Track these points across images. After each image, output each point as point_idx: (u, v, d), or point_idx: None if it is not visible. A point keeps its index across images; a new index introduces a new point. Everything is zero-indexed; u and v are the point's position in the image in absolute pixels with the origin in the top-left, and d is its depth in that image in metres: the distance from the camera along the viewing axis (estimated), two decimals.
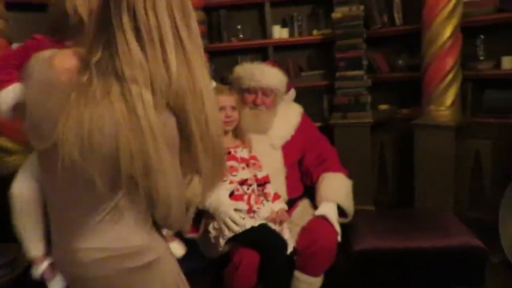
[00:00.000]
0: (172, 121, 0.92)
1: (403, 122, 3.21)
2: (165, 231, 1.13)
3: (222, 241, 1.76)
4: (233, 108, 1.87)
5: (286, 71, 3.57)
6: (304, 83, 3.55)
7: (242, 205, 1.75)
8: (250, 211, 1.77)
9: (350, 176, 3.00)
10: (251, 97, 2.00)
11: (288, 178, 2.03)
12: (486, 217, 2.84)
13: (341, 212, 2.04)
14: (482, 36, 2.94)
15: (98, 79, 0.89)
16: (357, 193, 3.07)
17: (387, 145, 3.47)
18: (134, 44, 0.89)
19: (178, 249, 1.61)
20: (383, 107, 3.51)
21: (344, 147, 3.22)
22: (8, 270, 1.65)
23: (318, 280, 1.87)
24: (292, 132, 2.09)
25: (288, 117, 2.12)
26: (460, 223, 2.19)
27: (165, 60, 0.90)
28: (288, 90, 2.21)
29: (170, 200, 0.95)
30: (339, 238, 1.91)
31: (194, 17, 1.00)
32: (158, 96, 0.89)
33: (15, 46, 2.49)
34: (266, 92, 2.00)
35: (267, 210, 1.79)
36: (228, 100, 1.86)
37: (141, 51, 0.89)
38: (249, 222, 1.75)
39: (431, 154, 2.90)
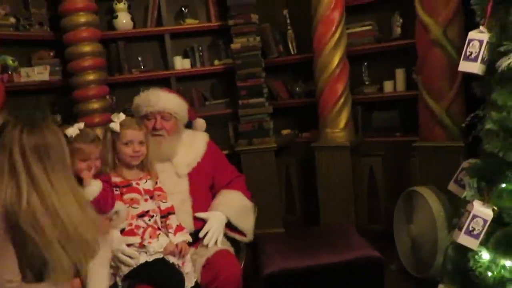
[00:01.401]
0: None
1: (304, 145, 3.40)
2: None
3: (119, 279, 1.69)
4: (141, 142, 1.83)
5: (191, 101, 3.65)
6: (209, 112, 3.59)
7: (133, 239, 1.71)
8: (141, 245, 1.72)
9: (259, 200, 3.07)
10: (151, 123, 1.98)
11: (195, 207, 2.00)
12: (385, 229, 3.07)
13: (237, 230, 2.06)
14: (366, 63, 3.25)
15: None
16: (267, 217, 3.19)
17: (291, 167, 3.63)
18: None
19: None
20: (285, 132, 3.68)
21: (252, 172, 3.31)
22: None
23: None
24: (199, 159, 2.09)
25: (193, 144, 2.12)
26: (360, 236, 2.34)
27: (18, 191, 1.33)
28: (192, 118, 2.22)
29: None
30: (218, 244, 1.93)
31: (55, 152, 1.41)
32: None
33: None
34: (164, 116, 2.00)
35: (161, 244, 1.75)
36: (136, 134, 1.82)
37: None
38: (143, 257, 1.70)
39: (331, 172, 3.10)
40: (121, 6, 3.46)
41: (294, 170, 3.63)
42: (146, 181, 1.85)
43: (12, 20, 3.06)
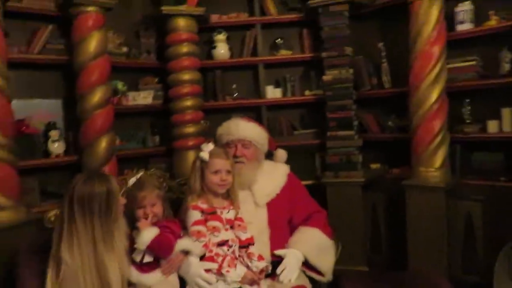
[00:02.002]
0: None
1: (394, 181, 3.24)
2: None
3: None
4: (228, 172, 1.89)
5: (279, 130, 3.71)
6: (296, 142, 3.62)
7: (212, 265, 1.74)
8: (219, 272, 1.74)
9: (342, 235, 2.98)
10: (231, 151, 2.04)
11: (272, 238, 2.00)
12: (481, 281, 2.79)
13: (315, 269, 2.00)
14: (468, 100, 3.03)
15: None
16: (351, 253, 3.07)
17: (379, 204, 3.47)
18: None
19: None
20: (374, 166, 3.55)
21: (337, 206, 3.24)
22: None
23: None
24: (278, 191, 2.09)
25: (273, 175, 2.14)
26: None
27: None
28: (272, 148, 2.24)
29: None
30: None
31: (97, 203, 1.56)
32: None
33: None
34: (244, 144, 2.05)
35: (238, 274, 1.76)
36: (224, 164, 1.88)
37: None
38: (221, 285, 1.73)
39: (423, 214, 2.90)
40: (221, 37, 3.66)
41: (381, 207, 3.47)
42: (229, 211, 1.90)
43: (125, 49, 3.39)
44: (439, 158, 2.89)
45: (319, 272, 2.02)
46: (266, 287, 1.84)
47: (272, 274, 1.95)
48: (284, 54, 3.71)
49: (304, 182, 3.37)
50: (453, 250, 2.97)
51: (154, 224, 1.76)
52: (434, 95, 2.85)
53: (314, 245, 2.00)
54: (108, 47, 3.06)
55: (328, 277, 2.03)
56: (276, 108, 3.76)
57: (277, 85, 3.78)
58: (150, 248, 1.68)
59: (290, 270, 1.89)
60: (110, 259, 1.57)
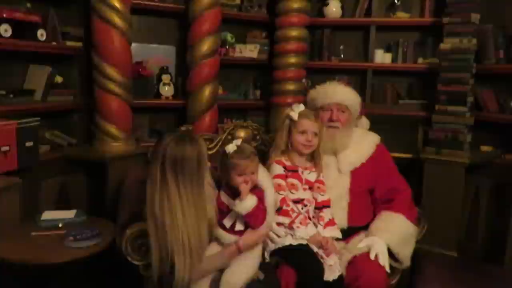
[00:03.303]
0: None
1: (506, 168, 2.93)
2: None
3: (267, 254, 1.81)
4: (315, 134, 1.89)
5: (383, 97, 3.54)
6: (400, 112, 3.43)
7: (284, 219, 1.77)
8: (290, 226, 1.77)
9: (434, 214, 2.82)
10: (326, 114, 2.02)
11: (351, 205, 1.98)
12: None
13: (393, 256, 1.93)
14: None
15: None
16: (439, 235, 2.91)
17: (483, 190, 3.17)
18: None
19: None
20: (485, 148, 3.23)
21: (433, 184, 3.05)
22: (98, 240, 1.88)
23: None
24: (363, 160, 2.05)
25: (361, 144, 2.09)
26: None
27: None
28: (361, 114, 2.17)
29: None
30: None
31: (189, 166, 1.62)
32: None
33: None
34: (341, 108, 2.02)
35: (308, 232, 1.78)
36: (312, 125, 1.89)
37: None
38: (288, 239, 1.77)
39: None
40: None
41: (485, 193, 3.17)
42: (310, 172, 1.91)
43: (238, 1, 3.45)
44: None
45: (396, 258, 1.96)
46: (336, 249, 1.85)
47: (347, 238, 1.96)
48: (401, 16, 3.45)
49: (401, 155, 3.29)
50: None
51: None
52: None
53: (397, 233, 1.93)
54: None
55: (406, 264, 1.97)
56: (383, 74, 3.57)
57: (387, 49, 3.56)
58: (248, 216, 1.68)
59: (384, 258, 1.85)
60: (199, 219, 1.62)
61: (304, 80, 3.50)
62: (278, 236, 1.78)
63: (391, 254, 1.92)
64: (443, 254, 3.02)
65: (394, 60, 3.51)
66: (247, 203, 1.66)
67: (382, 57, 3.52)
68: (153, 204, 1.60)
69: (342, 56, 3.63)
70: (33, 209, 2.36)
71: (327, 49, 3.62)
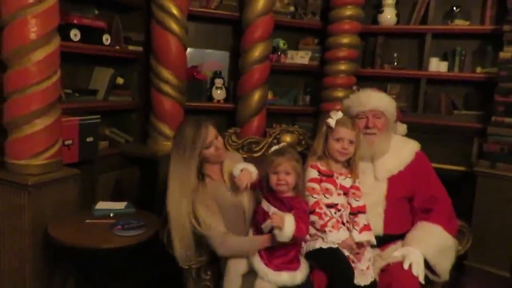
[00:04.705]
0: None
1: None
2: None
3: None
4: (351, 142, 1.91)
5: (437, 107, 3.44)
6: (455, 122, 3.32)
7: (315, 218, 1.79)
8: (322, 229, 1.79)
9: (485, 230, 2.70)
10: (362, 122, 2.01)
11: (387, 212, 1.96)
12: None
13: (431, 269, 1.87)
14: None
15: None
16: (491, 254, 2.78)
17: None
18: None
19: None
20: None
21: (486, 198, 2.92)
22: (142, 231, 2.03)
23: None
24: (401, 168, 2.01)
25: (400, 151, 2.05)
26: None
27: None
28: (398, 119, 2.14)
29: None
30: None
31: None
32: None
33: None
34: (376, 114, 2.01)
35: (339, 237, 1.78)
36: (348, 133, 1.90)
37: None
38: (319, 243, 1.78)
39: None
40: (389, 1, 3.50)
41: None
42: (345, 178, 1.92)
43: (292, 8, 3.52)
44: None
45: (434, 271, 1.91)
46: (370, 256, 1.85)
47: (383, 245, 1.94)
48: (459, 24, 3.34)
49: (454, 167, 3.17)
50: None
51: (285, 198, 1.76)
52: None
53: (434, 244, 1.88)
54: (276, 6, 3.23)
55: (444, 278, 1.91)
56: (438, 83, 3.47)
57: (443, 58, 3.46)
58: (294, 239, 1.67)
59: (419, 267, 1.81)
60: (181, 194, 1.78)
61: (354, 87, 3.48)
62: (310, 236, 1.81)
63: (428, 267, 1.88)
64: (494, 273, 2.87)
65: (450, 68, 3.40)
66: (287, 230, 1.64)
67: (437, 66, 3.42)
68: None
69: (395, 63, 3.57)
70: (90, 199, 2.57)
71: (380, 57, 3.59)
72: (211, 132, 1.84)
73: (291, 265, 1.74)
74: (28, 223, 2.06)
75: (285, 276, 1.70)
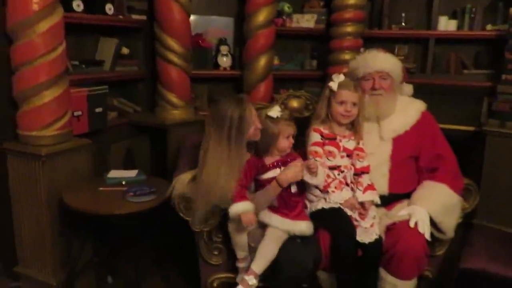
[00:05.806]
0: None
1: None
2: None
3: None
4: (354, 104, 1.91)
5: (446, 67, 3.39)
6: (464, 82, 3.28)
7: (318, 182, 1.82)
8: (325, 190, 1.83)
9: (492, 187, 2.70)
10: (369, 83, 2.01)
11: (392, 172, 1.98)
12: None
13: (436, 227, 1.90)
14: None
15: None
16: (497, 210, 2.80)
17: None
18: None
19: None
20: None
21: (494, 158, 2.92)
22: (154, 196, 2.08)
23: (404, 285, 1.82)
24: (407, 128, 2.02)
25: (406, 112, 2.05)
26: None
27: None
28: (404, 80, 2.12)
29: None
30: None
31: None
32: None
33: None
34: (382, 75, 2.00)
35: (342, 197, 1.82)
36: (351, 95, 1.90)
37: None
38: (321, 203, 1.83)
39: None
40: None
41: None
42: (349, 140, 1.93)
43: None
44: None
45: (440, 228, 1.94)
46: (375, 215, 1.88)
47: (389, 204, 1.97)
48: None
49: (463, 127, 3.15)
50: None
51: (288, 156, 1.85)
52: None
53: (439, 203, 1.91)
54: None
55: (449, 235, 1.94)
56: (447, 42, 3.40)
57: (453, 16, 3.37)
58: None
59: (425, 225, 1.83)
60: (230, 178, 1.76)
61: (362, 50, 3.43)
62: (315, 196, 1.85)
63: (434, 224, 1.91)
64: (503, 231, 2.90)
65: (459, 27, 3.32)
66: (321, 176, 1.79)
67: (446, 24, 3.35)
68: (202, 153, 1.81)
69: (403, 24, 3.50)
70: (103, 168, 2.63)
71: (387, 17, 3.51)
72: (253, 113, 1.84)
73: (303, 216, 1.84)
74: (44, 192, 2.14)
75: (302, 224, 1.79)
